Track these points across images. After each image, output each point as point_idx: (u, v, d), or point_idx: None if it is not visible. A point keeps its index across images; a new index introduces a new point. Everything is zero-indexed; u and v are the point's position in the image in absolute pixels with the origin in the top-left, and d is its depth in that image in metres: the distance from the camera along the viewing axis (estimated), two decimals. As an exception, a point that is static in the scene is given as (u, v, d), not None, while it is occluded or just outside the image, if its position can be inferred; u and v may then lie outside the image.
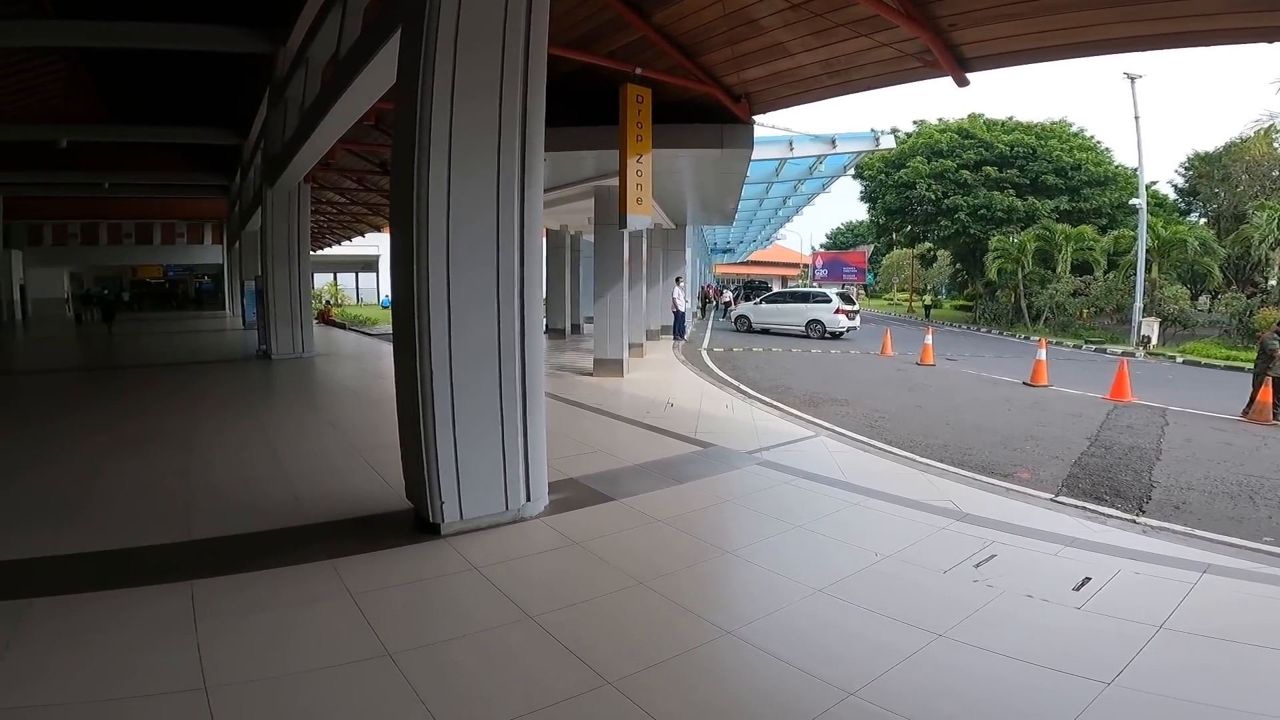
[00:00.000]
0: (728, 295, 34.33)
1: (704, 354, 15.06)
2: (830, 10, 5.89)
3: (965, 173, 32.24)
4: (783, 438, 6.51)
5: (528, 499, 4.01)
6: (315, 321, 17.51)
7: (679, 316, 17.51)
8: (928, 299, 41.07)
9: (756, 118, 8.50)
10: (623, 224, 8.00)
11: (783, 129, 10.98)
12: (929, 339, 14.85)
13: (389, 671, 2.37)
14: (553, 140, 8.61)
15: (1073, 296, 24.82)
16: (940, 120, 36.09)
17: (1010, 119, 34.41)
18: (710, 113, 8.44)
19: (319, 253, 36.27)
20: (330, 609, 2.84)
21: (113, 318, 19.71)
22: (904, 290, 50.51)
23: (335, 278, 46.90)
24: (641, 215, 8.01)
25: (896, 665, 2.48)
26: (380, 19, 5.06)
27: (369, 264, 45.17)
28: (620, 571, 3.29)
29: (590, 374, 10.49)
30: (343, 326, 23.53)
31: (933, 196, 32.90)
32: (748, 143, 8.68)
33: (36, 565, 3.21)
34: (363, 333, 20.63)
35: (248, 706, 2.15)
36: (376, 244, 36.24)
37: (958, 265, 38.47)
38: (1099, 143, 33.60)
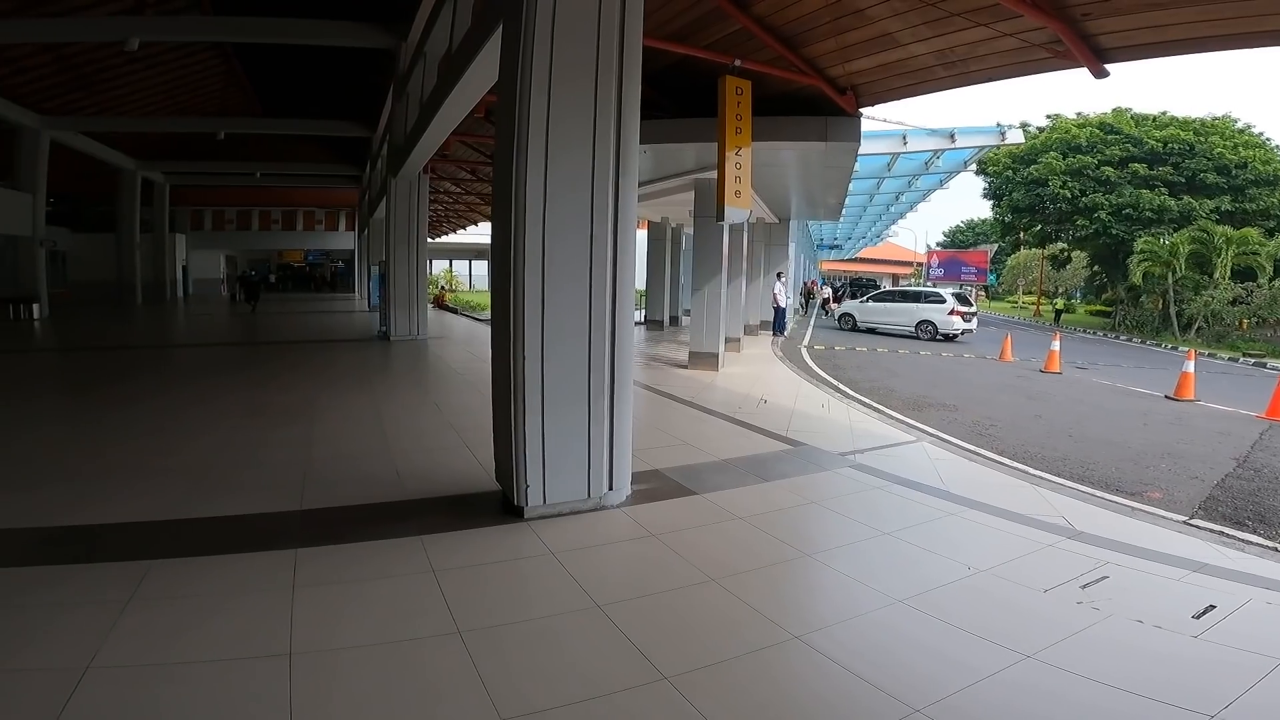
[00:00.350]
0: (826, 291, 33.01)
1: (803, 351, 14.69)
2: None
3: (1108, 170, 29.51)
4: (880, 441, 6.27)
5: (610, 488, 4.08)
6: (430, 306, 18.62)
7: (779, 312, 17.16)
8: (1059, 303, 37.74)
9: (864, 110, 8.17)
10: (720, 216, 7.92)
11: (895, 122, 10.54)
12: (1056, 344, 13.74)
13: (455, 647, 2.50)
14: (652, 132, 8.80)
15: (1231, 305, 22.19)
16: (1079, 115, 33.14)
17: (1163, 114, 31.12)
18: (814, 105, 8.18)
19: (436, 240, 38.45)
20: (412, 584, 3.01)
21: (256, 298, 21.05)
22: (1030, 293, 46.90)
23: (451, 264, 49.43)
24: (740, 208, 7.91)
25: (972, 684, 2.34)
26: (485, 14, 5.29)
27: (481, 252, 47.20)
28: (693, 567, 3.28)
29: (685, 367, 10.51)
30: (455, 311, 24.76)
31: (1068, 194, 30.37)
32: (854, 136, 8.36)
33: (167, 527, 3.59)
34: (473, 318, 21.66)
35: (322, 674, 2.31)
36: (488, 233, 37.87)
37: (1095, 268, 35.31)
38: (1269, 139, 29.78)
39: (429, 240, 17.61)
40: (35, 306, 16.41)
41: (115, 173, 22.72)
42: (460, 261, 50.26)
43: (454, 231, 38.92)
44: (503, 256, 3.86)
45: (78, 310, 19.25)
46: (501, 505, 3.99)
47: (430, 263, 40.47)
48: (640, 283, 20.60)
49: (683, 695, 2.25)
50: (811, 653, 2.56)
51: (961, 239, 64.44)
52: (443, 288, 35.31)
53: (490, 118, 10.43)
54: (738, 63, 7.40)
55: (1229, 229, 24.70)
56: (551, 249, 3.74)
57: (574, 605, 2.87)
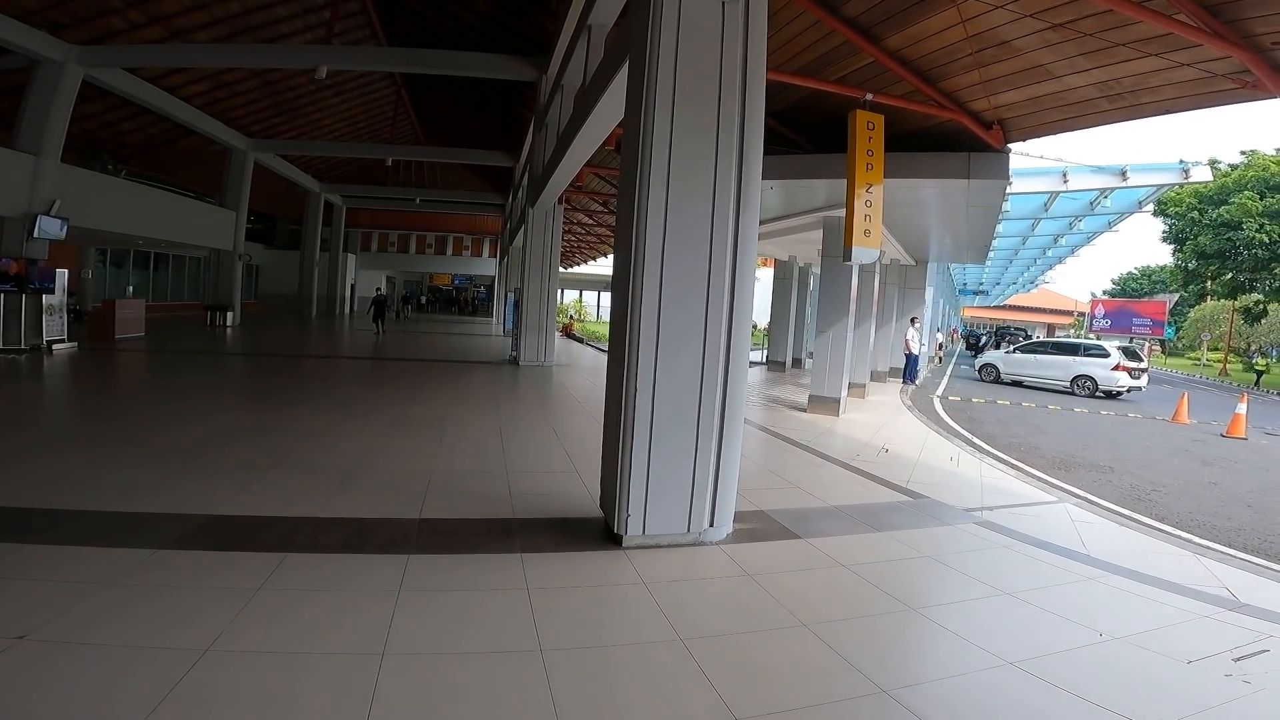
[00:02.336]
0: (940, 338, 29.86)
1: (935, 401, 13.79)
2: (1105, 30, 5.15)
3: (1316, 211, 25.61)
4: (1014, 499, 5.76)
5: (711, 524, 4.04)
6: (559, 334, 19.42)
7: (911, 359, 16.24)
8: (1261, 363, 32.46)
9: (1013, 146, 7.67)
10: (847, 257, 7.68)
11: (1054, 159, 9.79)
12: (1243, 406, 11.96)
13: (534, 666, 2.56)
14: (780, 167, 8.77)
15: None
16: (1279, 150, 29.14)
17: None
18: (954, 140, 7.80)
19: (568, 270, 40.19)
20: (507, 600, 3.12)
21: (383, 317, 19.58)
22: (1217, 349, 41.21)
23: (581, 295, 51.38)
24: (869, 248, 7.64)
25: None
26: (615, 49, 5.55)
27: (609, 283, 48.75)
28: (785, 610, 3.16)
29: (804, 410, 10.20)
30: (581, 341, 25.63)
31: (1266, 239, 26.66)
32: (1002, 173, 7.85)
33: (306, 524, 3.96)
34: (598, 348, 22.36)
35: (405, 677, 2.44)
36: (615, 264, 39.01)
37: (1299, 324, 30.52)
38: None
39: (561, 270, 18.49)
40: (229, 315, 18.89)
41: (303, 194, 25.75)
42: (590, 292, 52.14)
43: (585, 263, 40.47)
44: (621, 287, 3.99)
45: (264, 320, 21.95)
46: (603, 532, 4.06)
47: (561, 292, 42.36)
48: (763, 322, 20.36)
49: (753, 741, 2.16)
50: (898, 709, 2.39)
51: (1134, 287, 58.06)
52: (571, 317, 36.69)
53: (620, 151, 10.86)
54: (869, 97, 7.24)
55: None
56: (668, 282, 3.82)
57: (657, 637, 2.85)
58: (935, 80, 7.03)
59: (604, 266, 39.77)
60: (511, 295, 18.81)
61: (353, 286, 33.44)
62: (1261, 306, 33.98)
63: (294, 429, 6.61)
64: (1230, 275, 30.72)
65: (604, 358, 17.97)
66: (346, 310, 31.30)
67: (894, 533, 4.57)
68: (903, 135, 7.78)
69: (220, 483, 4.61)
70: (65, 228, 12.07)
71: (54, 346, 11.15)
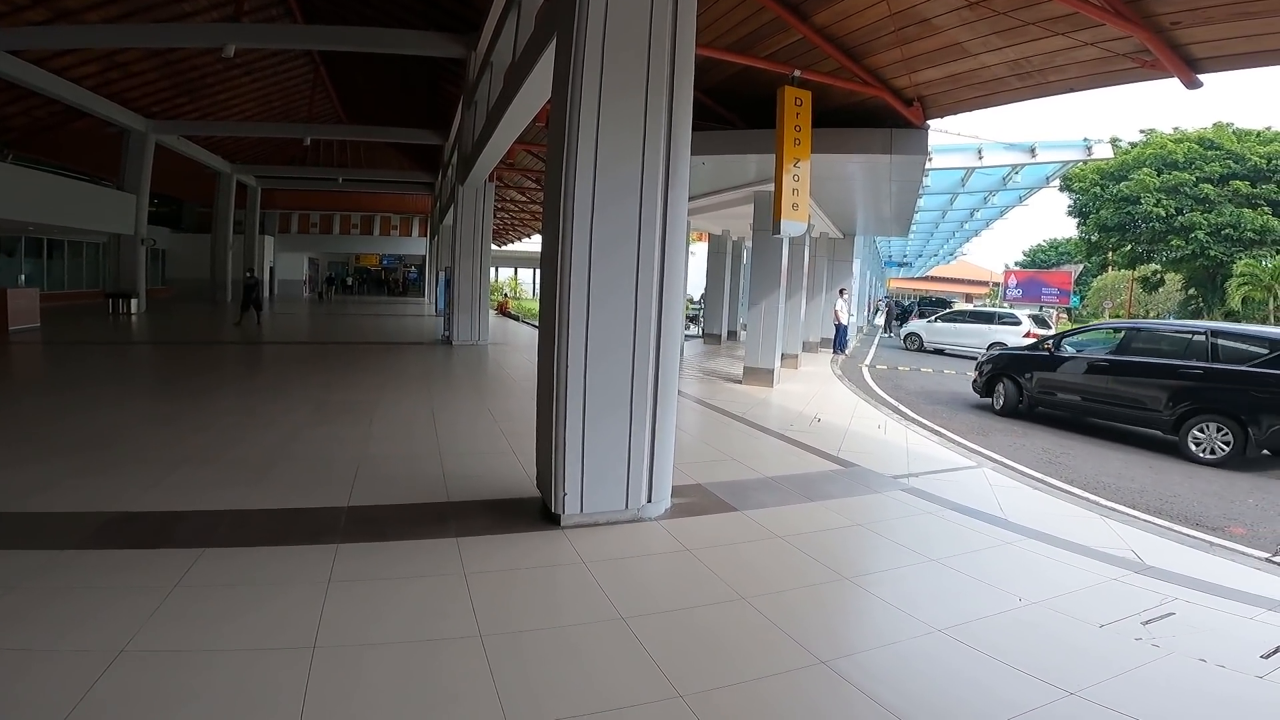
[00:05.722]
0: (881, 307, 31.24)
1: (864, 370, 14.28)
2: (1017, 8, 5.35)
3: (1207, 187, 27.70)
4: (937, 465, 6.01)
5: (648, 500, 4.05)
6: (493, 313, 19.05)
7: (840, 330, 16.75)
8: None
9: (932, 123, 7.93)
10: (776, 230, 7.81)
11: (970, 136, 10.21)
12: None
13: (474, 650, 2.51)
14: (711, 143, 8.78)
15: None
16: (1175, 129, 31.24)
17: (1268, 129, 28.99)
18: (878, 117, 8.00)
19: (501, 248, 39.50)
20: (441, 585, 3.05)
21: (257, 305, 16.48)
22: (1118, 316, 44.27)
23: (515, 272, 50.56)
24: (797, 221, 7.77)
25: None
26: (543, 24, 5.40)
27: (546, 261, 48.18)
28: (726, 584, 3.21)
29: (739, 382, 10.37)
30: (517, 319, 25.27)
31: (1162, 213, 28.66)
32: (921, 149, 8.12)
33: (224, 517, 3.76)
34: (534, 325, 22.03)
35: (338, 670, 2.35)
36: (550, 242, 38.67)
37: (1190, 291, 33.07)
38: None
39: (494, 248, 18.10)
40: (134, 302, 17.67)
41: (213, 176, 24.31)
42: (525, 270, 51.36)
43: (518, 240, 39.89)
44: (550, 264, 3.91)
45: (172, 306, 20.63)
46: (540, 513, 4.01)
47: (495, 270, 41.59)
48: (698, 296, 20.54)
49: (695, 715, 2.19)
50: (838, 679, 2.46)
51: (1043, 258, 61.36)
52: (506, 295, 36.15)
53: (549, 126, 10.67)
54: (797, 73, 7.31)
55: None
56: (598, 258, 3.76)
57: (598, 616, 2.84)
58: (860, 57, 7.15)
59: (538, 244, 39.18)
60: (443, 274, 18.32)
61: (272, 269, 31.91)
62: (1159, 276, 36.63)
63: (207, 419, 6.25)
64: (1130, 247, 32.93)
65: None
66: (266, 294, 29.84)
67: (827, 502, 4.70)
68: (829, 111, 7.90)
69: (128, 478, 4.33)
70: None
71: (-68, 340, 10.18)
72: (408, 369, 10.48)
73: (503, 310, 27.21)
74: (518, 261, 48.63)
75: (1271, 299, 22.53)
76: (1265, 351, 6.97)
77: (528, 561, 3.38)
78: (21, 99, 15.48)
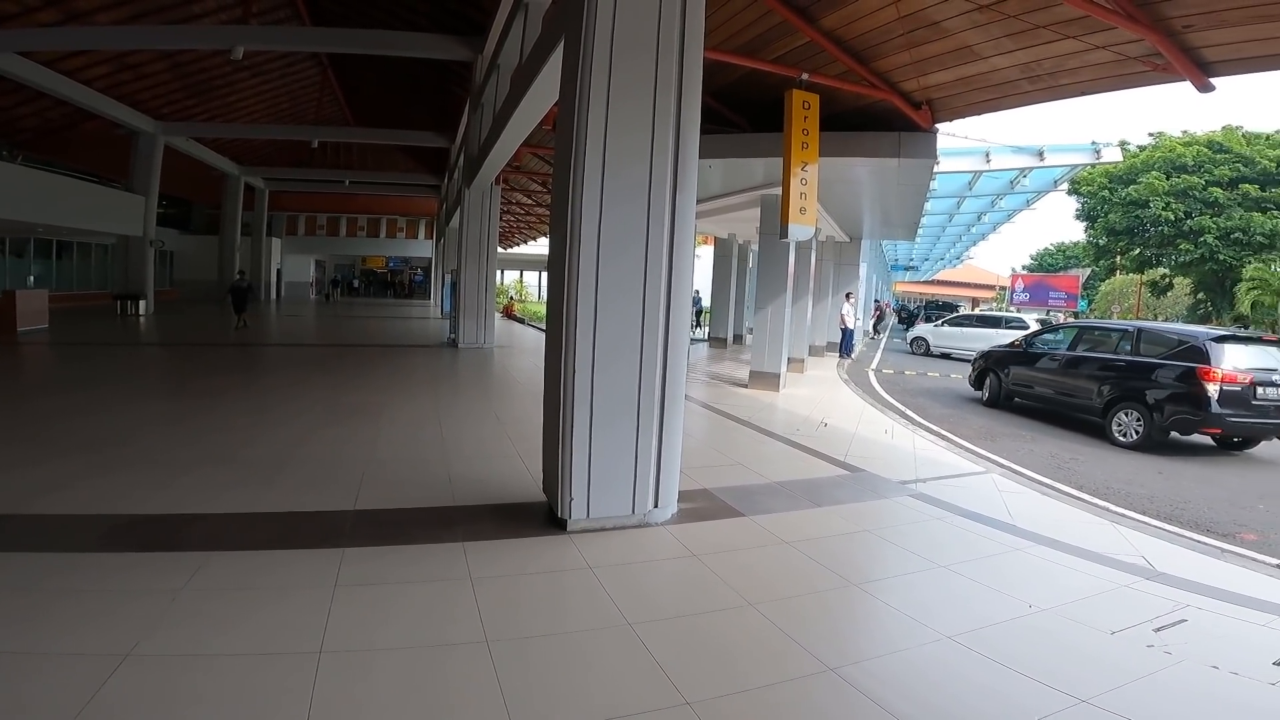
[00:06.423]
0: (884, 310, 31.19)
1: (870, 374, 14.23)
2: (1028, 11, 5.32)
3: (1216, 190, 27.57)
4: (945, 470, 5.97)
5: (655, 505, 4.03)
6: (499, 315, 19.07)
7: (846, 334, 16.71)
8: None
9: (941, 126, 7.90)
10: (784, 234, 7.78)
11: (978, 139, 10.16)
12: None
13: (480, 656, 2.49)
14: (719, 146, 8.78)
15: (1350, 339, 20.13)
16: (1185, 133, 31.10)
17: (1279, 132, 28.81)
18: (886, 120, 7.98)
19: (506, 251, 39.57)
20: (450, 590, 3.03)
21: (244, 309, 15.38)
22: (1126, 319, 44.06)
23: (521, 275, 50.63)
24: (804, 225, 7.75)
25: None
26: (551, 27, 5.41)
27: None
28: (732, 590, 3.19)
29: (745, 386, 10.34)
30: (522, 321, 25.30)
31: (1171, 216, 28.56)
32: (929, 153, 8.08)
33: (234, 520, 3.77)
34: (539, 328, 22.07)
35: (345, 675, 2.33)
36: (555, 245, 38.68)
37: (1199, 295, 32.88)
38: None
39: (500, 251, 18.10)
40: (142, 303, 17.76)
41: (221, 178, 24.44)
42: (530, 273, 51.45)
43: (525, 243, 39.92)
44: (558, 268, 3.90)
45: (181, 308, 20.72)
46: (546, 517, 3.99)
47: (501, 273, 41.60)
48: (705, 299, 20.52)
49: (702, 723, 2.17)
50: (846, 686, 2.43)
51: (1050, 263, 61.15)
52: (511, 298, 36.21)
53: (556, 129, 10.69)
54: (805, 76, 7.29)
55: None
56: (605, 261, 3.75)
57: (605, 622, 2.83)
58: (868, 60, 7.13)
59: (544, 247, 39.25)
60: (449, 277, 18.36)
61: (279, 271, 32.03)
62: (1167, 280, 36.47)
63: (217, 421, 6.27)
64: (1138, 251, 32.79)
65: (544, 339, 17.75)
66: (273, 296, 29.99)
67: (835, 507, 4.68)
68: (837, 115, 7.88)
69: (138, 478, 4.34)
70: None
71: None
72: (414, 372, 10.50)
73: (508, 313, 27.23)
74: (524, 264, 48.71)
75: (1281, 303, 22.41)
76: (1169, 348, 8.17)
77: (534, 566, 3.37)
78: (32, 100, 15.57)
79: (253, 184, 26.70)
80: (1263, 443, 8.17)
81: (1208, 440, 8.07)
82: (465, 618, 2.79)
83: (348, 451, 5.37)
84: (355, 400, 7.63)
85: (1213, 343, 7.79)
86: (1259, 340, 8.49)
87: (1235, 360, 7.62)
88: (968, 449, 7.18)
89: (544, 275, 50.70)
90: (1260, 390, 7.48)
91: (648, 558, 3.59)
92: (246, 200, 26.22)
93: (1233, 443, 8.11)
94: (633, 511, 3.96)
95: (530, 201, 24.02)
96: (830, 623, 3.06)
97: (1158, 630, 2.96)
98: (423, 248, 35.79)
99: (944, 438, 7.70)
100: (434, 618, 2.79)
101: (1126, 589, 3.47)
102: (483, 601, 2.93)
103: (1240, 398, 7.43)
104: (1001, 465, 6.47)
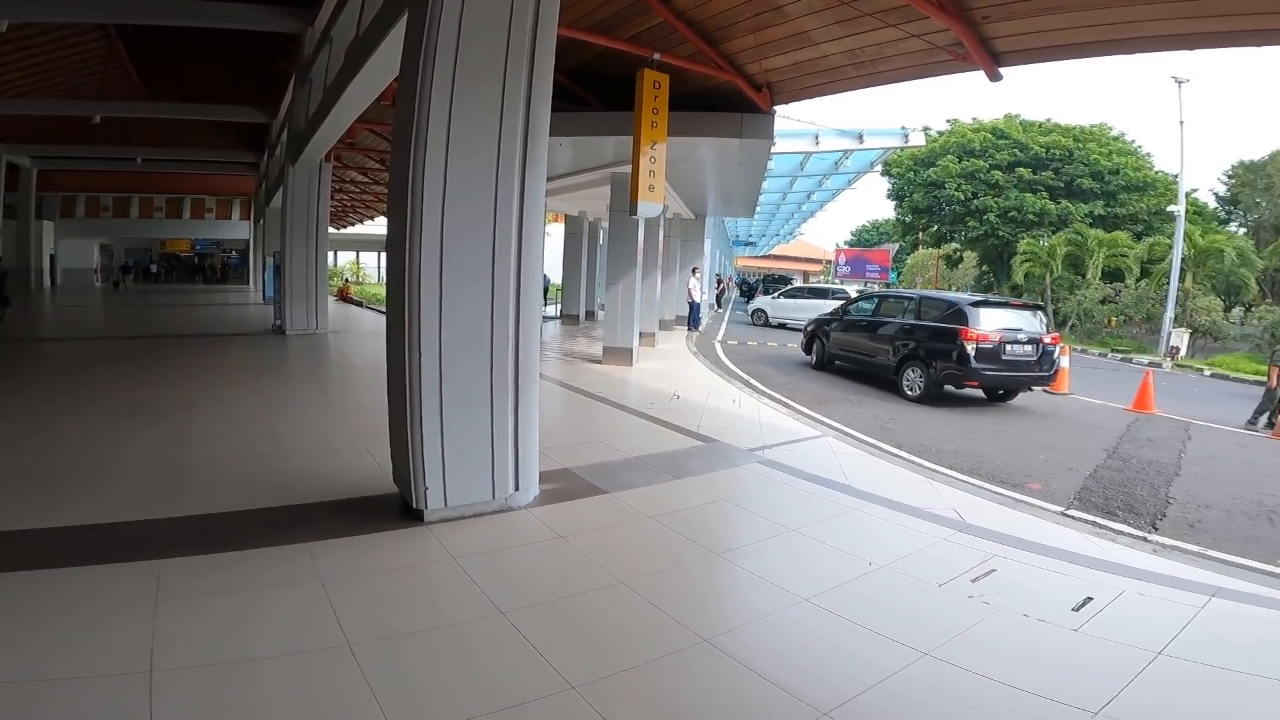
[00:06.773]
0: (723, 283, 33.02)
1: (717, 346, 14.92)
2: (857, -1, 5.72)
3: (997, 173, 31.59)
4: (787, 436, 6.39)
5: (516, 488, 3.94)
6: (334, 299, 17.66)
7: (694, 307, 17.37)
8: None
9: (778, 108, 8.35)
10: (633, 211, 7.89)
11: (808, 122, 10.90)
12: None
13: (345, 662, 2.32)
14: (570, 124, 8.67)
15: (1101, 304, 24.23)
16: (974, 120, 35.32)
17: (1048, 120, 33.59)
18: (730, 101, 8.29)
19: (342, 231, 36.69)
20: (297, 594, 2.79)
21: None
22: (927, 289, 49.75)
23: (358, 256, 47.28)
24: (653, 203, 7.90)
25: (876, 684, 2.38)
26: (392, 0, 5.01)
27: (390, 244, 45.38)
28: (603, 569, 3.21)
29: (599, 362, 10.42)
30: (360, 304, 23.70)
31: (962, 196, 32.31)
32: (768, 134, 8.53)
33: (18, 537, 3.20)
34: (379, 311, 20.71)
35: (188, 694, 2.09)
36: (392, 225, 36.61)
37: (984, 267, 37.78)
38: (1139, 147, 32.71)
39: (334, 231, 16.71)
40: None
41: (-26, 156, 20.31)
42: (368, 254, 48.17)
43: (361, 222, 37.22)
44: (397, 250, 3.63)
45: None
46: (400, 509, 3.77)
47: (335, 254, 38.52)
48: (556, 277, 20.36)
49: (589, 705, 2.17)
50: (722, 656, 2.53)
51: (867, 238, 67.36)
52: (346, 280, 33.73)
53: (395, 104, 9.98)
54: (657, 56, 7.38)
55: (1101, 232, 26.91)
56: (450, 248, 3.54)
57: (475, 613, 2.73)
58: (717, 42, 7.35)
59: (382, 226, 36.83)
60: (271, 259, 16.68)
61: (52, 257, 27.42)
62: (959, 254, 41.48)
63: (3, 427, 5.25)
64: (935, 227, 36.89)
65: (384, 321, 16.71)
66: (46, 283, 25.66)
67: (692, 479, 4.86)
68: (686, 95, 8.06)
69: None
70: None
71: None
72: (236, 362, 9.45)
73: (344, 296, 25.36)
74: (360, 245, 45.47)
75: (1048, 274, 26.20)
76: (942, 312, 9.54)
77: (392, 562, 3.17)
78: None
79: (16, 163, 22.55)
80: (1022, 393, 9.73)
81: (979, 394, 9.53)
82: (319, 621, 2.57)
83: (165, 453, 4.73)
84: (169, 396, 6.71)
85: (970, 307, 9.11)
86: (1007, 305, 10.01)
87: (989, 322, 8.92)
88: (805, 414, 7.75)
89: (382, 256, 47.69)
90: (1008, 348, 8.85)
91: (514, 543, 3.52)
92: (10, 181, 22.09)
93: (997, 395, 9.61)
94: (493, 497, 3.84)
95: (366, 179, 22.35)
96: (698, 594, 3.17)
97: (974, 580, 3.32)
98: (237, 229, 32.18)
99: (785, 404, 8.26)
100: (283, 625, 2.55)
101: (945, 542, 3.86)
102: (339, 603, 2.71)
103: (993, 354, 8.77)
104: (835, 429, 7.04)
